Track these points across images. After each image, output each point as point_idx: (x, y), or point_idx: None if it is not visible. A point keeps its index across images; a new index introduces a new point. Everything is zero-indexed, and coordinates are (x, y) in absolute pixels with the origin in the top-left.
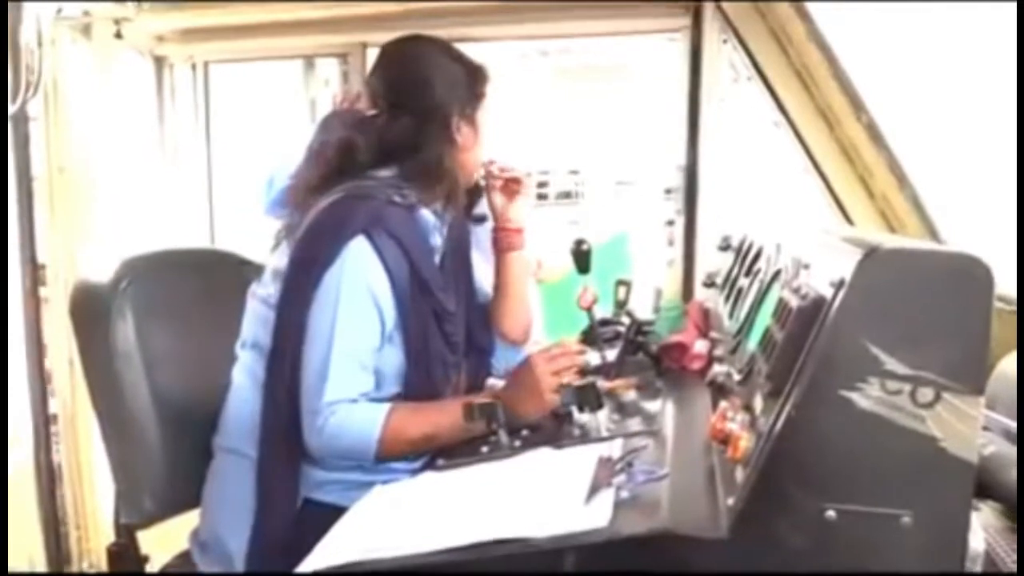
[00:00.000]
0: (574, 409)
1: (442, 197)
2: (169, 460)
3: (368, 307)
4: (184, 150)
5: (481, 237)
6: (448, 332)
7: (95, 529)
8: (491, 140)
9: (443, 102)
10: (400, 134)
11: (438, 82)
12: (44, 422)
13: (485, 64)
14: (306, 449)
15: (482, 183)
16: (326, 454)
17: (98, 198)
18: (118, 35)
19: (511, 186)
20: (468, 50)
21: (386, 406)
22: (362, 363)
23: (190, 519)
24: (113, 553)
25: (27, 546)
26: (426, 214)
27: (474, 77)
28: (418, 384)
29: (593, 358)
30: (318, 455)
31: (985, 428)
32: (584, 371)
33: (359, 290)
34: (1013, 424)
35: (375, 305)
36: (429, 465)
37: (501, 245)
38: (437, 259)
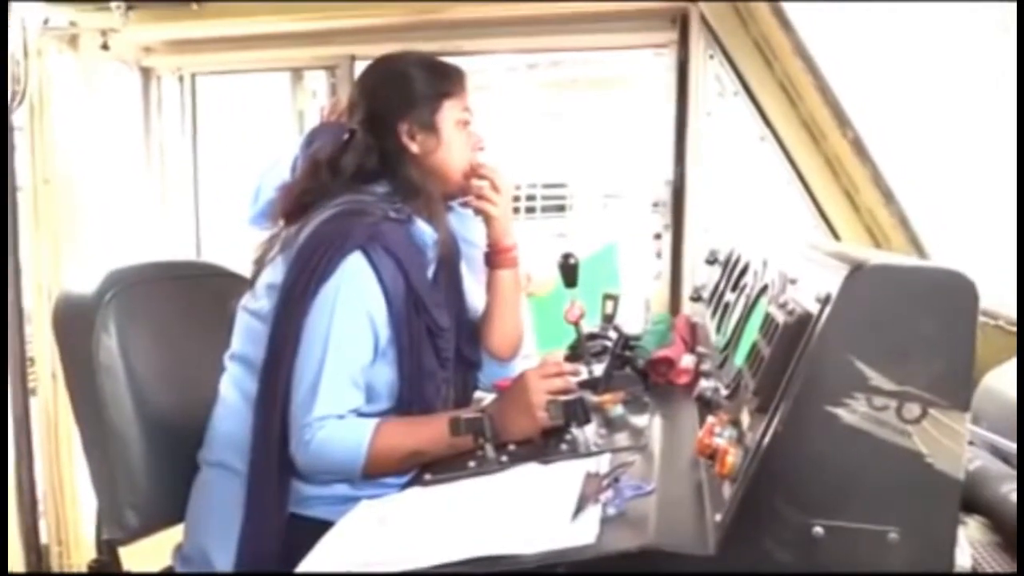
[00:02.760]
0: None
1: (425, 209)
2: (152, 475)
3: (363, 324)
4: (170, 162)
5: (470, 253)
6: (440, 347)
7: (76, 545)
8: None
9: (384, 113)
10: (361, 150)
11: (377, 94)
12: (26, 435)
13: (448, 63)
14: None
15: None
16: (313, 469)
17: (83, 210)
18: (105, 46)
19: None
20: (457, 63)
21: (373, 421)
22: (353, 380)
23: (172, 536)
24: (94, 570)
25: (7, 562)
26: (422, 226)
27: (431, 79)
28: (410, 399)
29: (580, 370)
30: (305, 470)
31: (970, 443)
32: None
33: (354, 307)
34: (998, 439)
35: (370, 322)
36: (416, 480)
37: (492, 263)
38: (430, 272)
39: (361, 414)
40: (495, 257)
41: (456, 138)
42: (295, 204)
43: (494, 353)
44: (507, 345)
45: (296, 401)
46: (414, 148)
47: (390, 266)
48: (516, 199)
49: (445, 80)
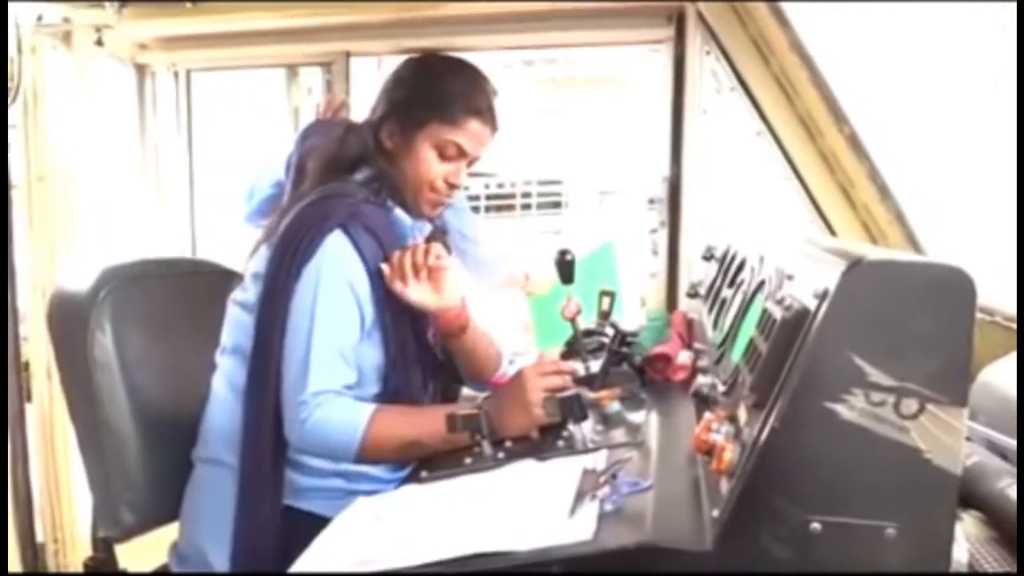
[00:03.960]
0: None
1: (399, 198)
2: (148, 472)
3: (347, 299)
4: (165, 159)
5: (465, 248)
6: (423, 332)
7: (72, 543)
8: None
9: (381, 102)
10: (353, 137)
11: (389, 84)
12: (21, 433)
13: (471, 96)
14: (288, 448)
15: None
16: (307, 448)
17: (78, 207)
18: (99, 43)
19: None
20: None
21: (372, 406)
22: (343, 355)
23: (168, 534)
24: (90, 568)
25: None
26: (401, 215)
27: (435, 94)
28: (397, 383)
29: (577, 369)
30: (298, 448)
31: (967, 439)
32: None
33: (338, 283)
34: (995, 434)
35: (354, 297)
36: (412, 477)
37: (447, 335)
38: None
39: (354, 395)
40: (448, 328)
41: (426, 159)
42: (294, 199)
43: (470, 382)
44: (482, 378)
45: (288, 381)
46: (387, 144)
47: (371, 243)
48: (511, 196)
49: (444, 107)
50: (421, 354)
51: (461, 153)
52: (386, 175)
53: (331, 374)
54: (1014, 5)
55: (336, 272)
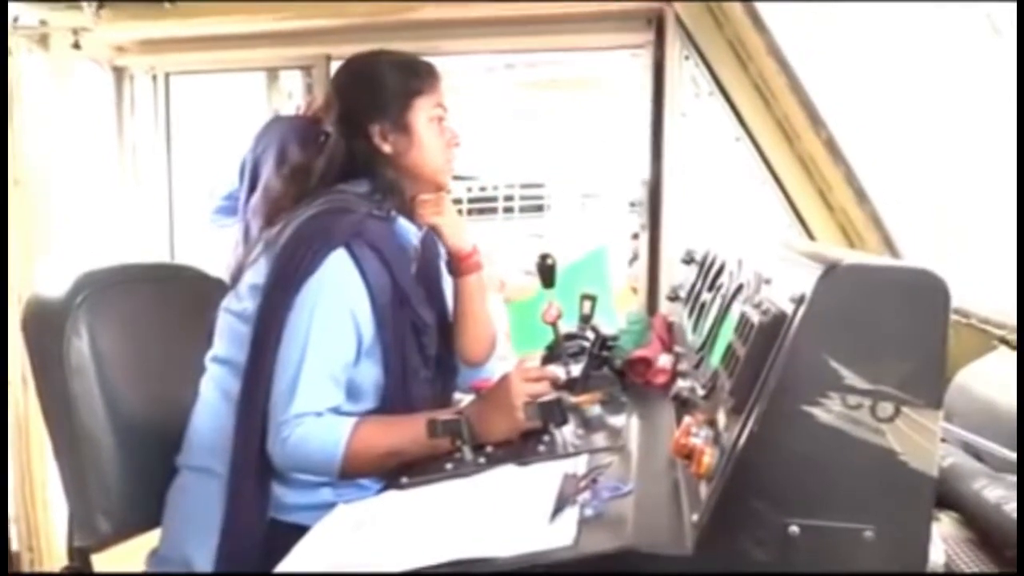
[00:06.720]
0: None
1: (405, 207)
2: (125, 480)
3: (345, 322)
4: (144, 162)
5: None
6: (424, 345)
7: (48, 552)
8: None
9: (356, 114)
10: (337, 151)
11: (348, 95)
12: None
13: (420, 61)
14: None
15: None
16: (289, 467)
17: (55, 211)
18: (76, 45)
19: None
20: (434, 63)
21: (351, 420)
22: (334, 377)
23: (145, 543)
24: None
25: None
26: (405, 224)
27: (401, 78)
28: (395, 399)
29: (559, 375)
30: (281, 467)
31: (943, 440)
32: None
33: (337, 305)
34: (971, 436)
35: (352, 320)
36: (392, 483)
37: (454, 271)
38: (413, 270)
39: (348, 414)
40: (457, 265)
41: (429, 135)
42: (274, 208)
43: (467, 359)
44: (479, 350)
45: (275, 398)
46: (387, 149)
47: (374, 262)
48: (494, 199)
49: (415, 78)
50: (421, 369)
51: (443, 111)
52: (393, 183)
53: (317, 397)
54: (995, 8)
55: (336, 294)
